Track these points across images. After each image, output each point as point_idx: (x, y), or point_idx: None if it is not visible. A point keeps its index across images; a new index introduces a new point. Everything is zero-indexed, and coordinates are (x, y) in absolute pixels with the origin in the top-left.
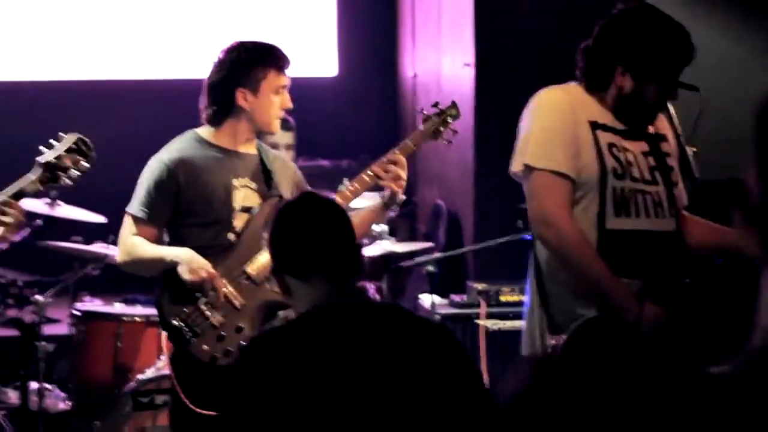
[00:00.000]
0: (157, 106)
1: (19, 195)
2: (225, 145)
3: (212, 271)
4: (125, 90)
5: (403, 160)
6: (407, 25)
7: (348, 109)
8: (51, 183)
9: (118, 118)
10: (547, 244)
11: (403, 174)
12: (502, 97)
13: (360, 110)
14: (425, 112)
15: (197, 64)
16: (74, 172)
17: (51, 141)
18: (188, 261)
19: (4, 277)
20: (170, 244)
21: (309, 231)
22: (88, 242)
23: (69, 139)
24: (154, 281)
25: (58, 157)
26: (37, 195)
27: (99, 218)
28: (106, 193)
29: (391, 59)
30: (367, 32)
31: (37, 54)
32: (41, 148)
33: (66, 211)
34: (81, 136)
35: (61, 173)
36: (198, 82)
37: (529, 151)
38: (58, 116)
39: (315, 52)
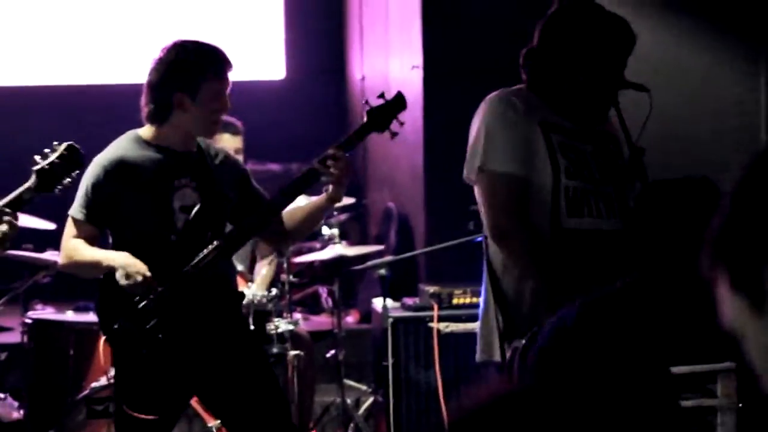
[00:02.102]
0: (105, 111)
1: (16, 203)
2: (165, 144)
3: (148, 274)
4: (71, 95)
5: (341, 155)
6: (355, 28)
7: (297, 112)
8: (45, 191)
9: (69, 124)
10: (501, 245)
11: (344, 169)
12: (451, 99)
13: (309, 113)
14: (370, 104)
15: (142, 67)
16: (66, 180)
17: (46, 150)
18: (124, 266)
19: None
20: (113, 243)
21: None
22: (38, 250)
23: (61, 147)
24: None
25: (50, 164)
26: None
27: (49, 225)
28: (57, 199)
29: (339, 62)
30: (315, 35)
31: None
32: (36, 157)
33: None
34: (72, 144)
35: (54, 181)
36: (126, 86)
37: (479, 154)
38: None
39: (262, 56)
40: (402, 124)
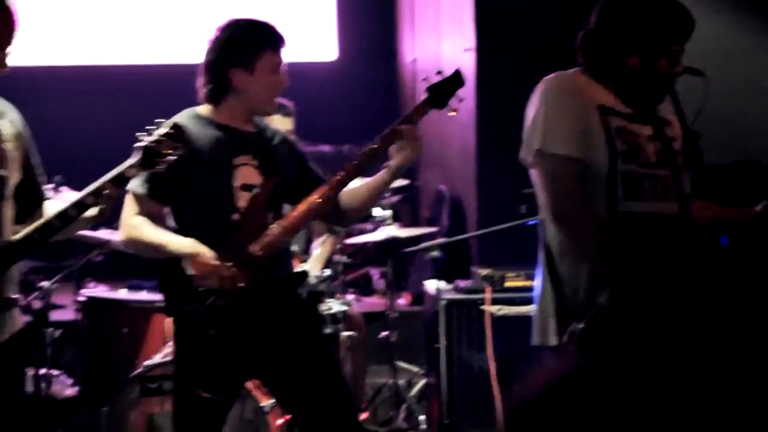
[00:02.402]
0: (157, 91)
1: (119, 180)
2: (225, 122)
3: (216, 262)
4: (123, 74)
5: (404, 129)
6: (406, 10)
7: (348, 94)
8: (147, 168)
9: (120, 104)
10: (560, 228)
11: (412, 140)
12: (503, 81)
13: (360, 95)
14: (429, 80)
15: (196, 48)
16: (170, 158)
17: (149, 127)
18: (193, 254)
19: None
20: (175, 221)
21: None
22: (92, 228)
23: (166, 125)
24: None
25: (156, 142)
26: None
27: None
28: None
29: (391, 44)
30: (367, 17)
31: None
32: (139, 134)
33: (70, 197)
34: (177, 122)
35: (158, 158)
36: (183, 66)
37: (538, 136)
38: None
39: (315, 37)
40: (461, 100)
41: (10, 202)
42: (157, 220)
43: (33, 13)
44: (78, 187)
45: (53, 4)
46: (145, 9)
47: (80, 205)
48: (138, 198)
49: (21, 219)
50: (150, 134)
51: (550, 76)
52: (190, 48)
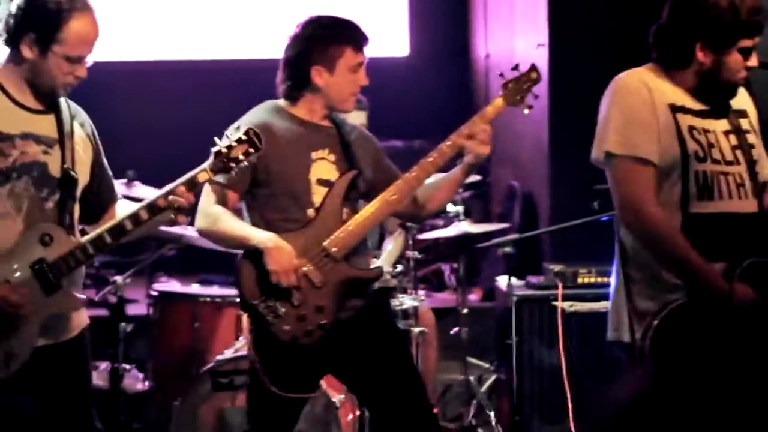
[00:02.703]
0: (233, 86)
1: (191, 184)
2: (303, 117)
3: (296, 261)
4: (200, 70)
5: (481, 128)
6: (479, 5)
7: (420, 89)
8: (221, 173)
9: (192, 98)
10: (633, 231)
11: (487, 137)
12: (576, 77)
13: (432, 90)
14: (505, 76)
15: (273, 44)
16: (243, 164)
17: (226, 132)
18: (274, 249)
19: None
20: (250, 213)
21: None
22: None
23: (241, 130)
24: (229, 263)
25: (229, 147)
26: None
27: None
28: (182, 173)
29: (464, 39)
30: (439, 12)
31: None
32: (215, 138)
33: (143, 191)
34: (253, 128)
35: (231, 163)
36: (271, 61)
37: (609, 137)
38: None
39: (386, 32)
40: (536, 97)
41: (77, 203)
42: (232, 209)
43: (115, 9)
44: (159, 184)
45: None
46: (225, 5)
47: (152, 208)
48: (216, 188)
49: (93, 219)
50: (225, 138)
51: (621, 74)
52: (268, 44)
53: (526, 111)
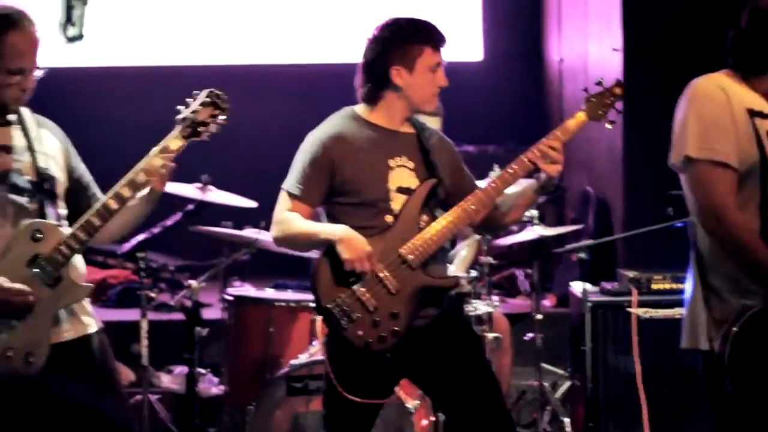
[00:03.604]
0: (304, 90)
1: (165, 151)
2: (381, 124)
3: (369, 248)
4: (273, 74)
5: (560, 144)
6: (553, 10)
7: (494, 94)
8: (193, 137)
9: (264, 103)
10: (714, 235)
11: (560, 158)
12: (651, 82)
13: (505, 96)
14: (589, 91)
15: (342, 48)
16: (213, 127)
17: (186, 99)
18: (346, 238)
19: (156, 261)
20: (327, 220)
21: None
22: (238, 227)
23: (202, 94)
24: (303, 267)
25: (194, 112)
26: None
27: (250, 203)
28: (256, 177)
29: (537, 44)
30: (513, 17)
31: (191, 39)
32: (179, 107)
33: (217, 196)
34: (213, 89)
35: (201, 128)
36: (343, 66)
37: (688, 142)
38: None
39: (460, 37)
40: (620, 112)
41: (62, 201)
42: (308, 219)
43: (189, 12)
44: (232, 189)
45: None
46: (299, 9)
47: (132, 184)
48: (292, 197)
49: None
50: (188, 105)
51: (698, 79)
52: (340, 48)
53: (609, 126)
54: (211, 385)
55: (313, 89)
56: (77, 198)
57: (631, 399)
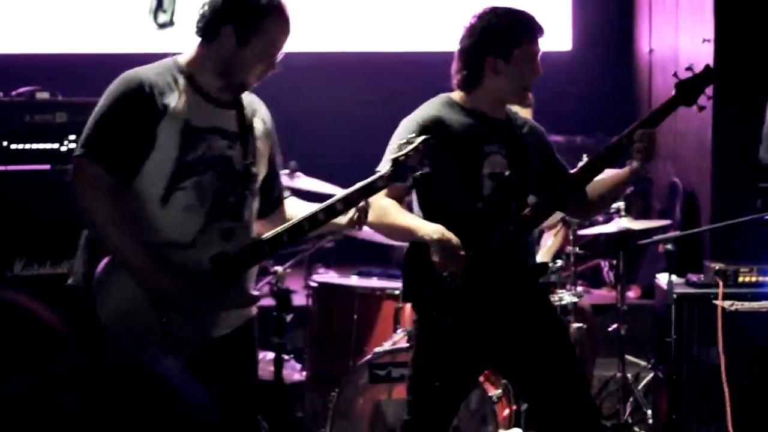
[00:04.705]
0: (387, 78)
1: (368, 190)
2: (477, 109)
3: (462, 252)
4: (355, 62)
5: (651, 131)
6: (644, 0)
7: (582, 84)
8: (397, 181)
9: (354, 90)
10: None
11: (653, 145)
12: (742, 74)
13: (594, 86)
14: (678, 76)
15: (425, 37)
16: (418, 174)
17: (404, 141)
18: (440, 243)
19: None
20: (419, 205)
21: None
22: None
23: (418, 140)
24: (388, 255)
25: (406, 156)
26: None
27: (337, 189)
28: (346, 164)
29: (627, 34)
30: (602, 7)
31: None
32: (399, 145)
33: (304, 182)
34: (430, 137)
35: (408, 172)
36: (425, 54)
37: None
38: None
39: (549, 27)
40: (710, 98)
41: (257, 198)
42: (403, 203)
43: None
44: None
45: None
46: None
47: (329, 211)
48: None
49: (264, 214)
50: (402, 147)
51: None
52: (435, 37)
53: (699, 111)
54: (293, 372)
55: (400, 77)
56: (269, 191)
57: (714, 392)
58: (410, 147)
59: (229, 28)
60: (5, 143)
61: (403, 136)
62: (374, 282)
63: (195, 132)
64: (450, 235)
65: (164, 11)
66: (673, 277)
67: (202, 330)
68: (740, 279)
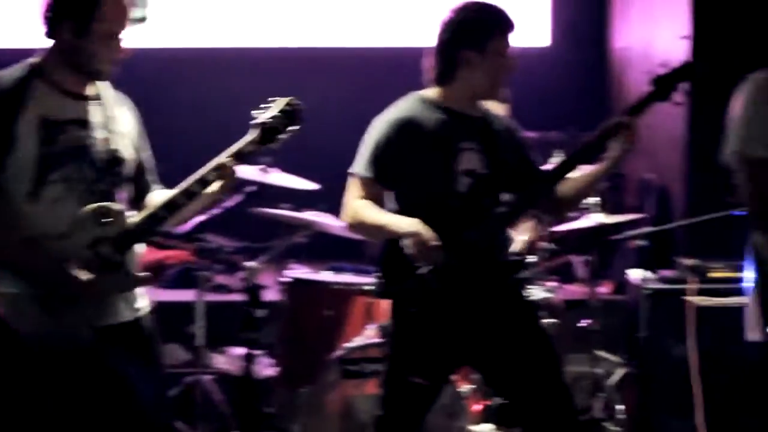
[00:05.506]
0: (364, 74)
1: (238, 156)
2: (451, 106)
3: (436, 243)
4: (332, 57)
5: (633, 122)
6: None
7: (557, 80)
8: (267, 144)
9: (326, 86)
10: (763, 233)
11: (634, 137)
12: (718, 71)
13: (569, 82)
14: (655, 72)
15: (403, 33)
16: (283, 135)
17: (263, 105)
18: (414, 234)
19: (213, 242)
20: (396, 205)
21: None
22: (297, 209)
23: (282, 102)
24: (360, 250)
25: (272, 118)
26: (253, 157)
27: (311, 185)
28: (316, 160)
29: (601, 30)
30: (581, 2)
31: (247, 21)
32: (253, 112)
33: (277, 178)
34: (293, 98)
35: (275, 135)
36: (406, 50)
37: (737, 138)
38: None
39: (529, 23)
40: (689, 93)
41: (130, 182)
42: (379, 203)
43: None
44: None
45: None
46: None
47: (203, 182)
48: (363, 181)
49: (135, 202)
50: (266, 110)
51: (756, 74)
52: (409, 32)
53: (675, 104)
54: (264, 367)
55: (373, 73)
56: (135, 181)
57: (685, 388)
58: (275, 110)
59: (68, 23)
60: None
61: (378, 134)
62: (346, 277)
63: (53, 125)
64: (424, 227)
65: (136, 5)
66: (646, 273)
67: (88, 317)
68: (712, 274)
